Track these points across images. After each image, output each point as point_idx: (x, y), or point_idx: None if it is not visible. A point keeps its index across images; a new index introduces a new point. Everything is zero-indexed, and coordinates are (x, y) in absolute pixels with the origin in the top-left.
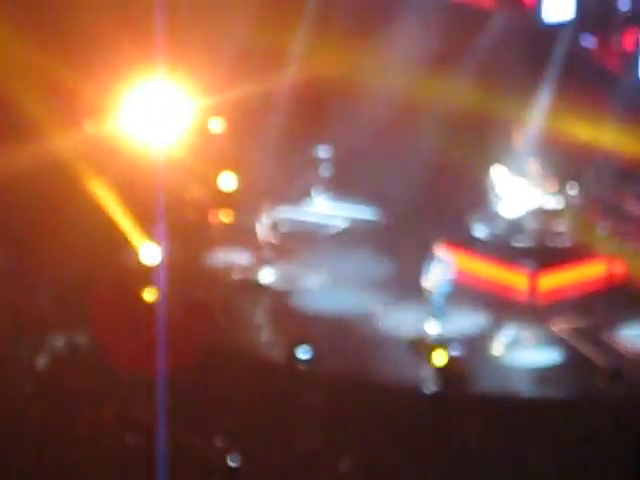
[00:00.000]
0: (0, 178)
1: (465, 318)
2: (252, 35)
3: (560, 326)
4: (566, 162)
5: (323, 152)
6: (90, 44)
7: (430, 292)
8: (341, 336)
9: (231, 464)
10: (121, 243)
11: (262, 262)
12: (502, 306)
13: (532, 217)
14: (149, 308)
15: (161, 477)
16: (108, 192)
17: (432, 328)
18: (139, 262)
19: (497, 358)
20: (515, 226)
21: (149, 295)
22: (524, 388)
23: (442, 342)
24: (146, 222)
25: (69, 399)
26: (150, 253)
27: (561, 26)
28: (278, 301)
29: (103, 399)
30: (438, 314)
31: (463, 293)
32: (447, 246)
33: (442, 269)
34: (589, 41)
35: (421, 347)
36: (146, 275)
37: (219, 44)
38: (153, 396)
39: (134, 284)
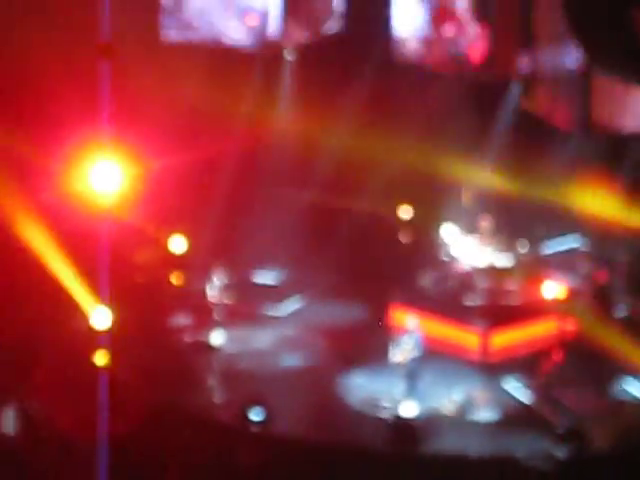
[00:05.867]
0: None
1: (419, 380)
2: (201, 96)
3: (512, 385)
4: (516, 220)
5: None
6: (37, 106)
7: (400, 368)
8: (293, 398)
9: None
10: (71, 307)
11: (213, 324)
12: (454, 366)
13: (483, 275)
14: (99, 372)
15: None
16: (57, 256)
17: (407, 408)
18: (89, 326)
19: (449, 418)
20: (466, 285)
21: (99, 359)
22: (477, 447)
23: (395, 403)
24: (96, 285)
25: (20, 466)
26: (100, 317)
27: (509, 84)
28: (230, 363)
29: (54, 465)
30: (411, 392)
31: None
32: (398, 306)
33: (412, 343)
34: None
35: (373, 408)
36: (96, 339)
37: (167, 105)
38: (104, 461)
39: (84, 348)
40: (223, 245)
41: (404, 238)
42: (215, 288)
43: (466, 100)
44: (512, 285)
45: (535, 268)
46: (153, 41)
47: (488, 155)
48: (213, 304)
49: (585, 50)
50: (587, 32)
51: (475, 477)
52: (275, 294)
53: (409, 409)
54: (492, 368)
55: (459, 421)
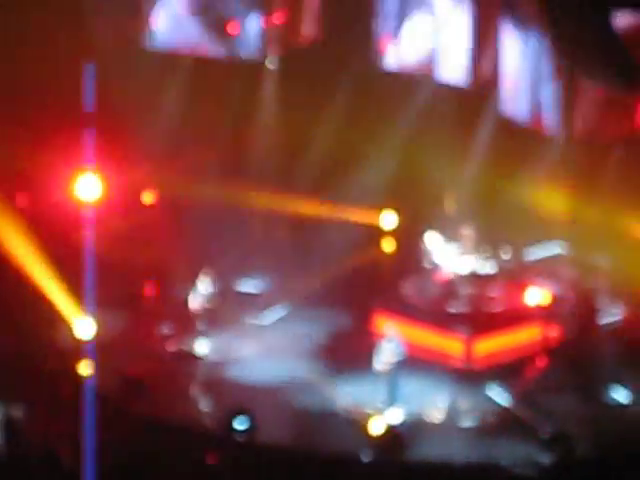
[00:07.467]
0: None
1: (401, 385)
2: (182, 108)
3: (496, 391)
4: (499, 226)
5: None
6: (21, 114)
7: (383, 375)
8: (278, 406)
9: None
10: (55, 318)
11: (197, 333)
12: (438, 372)
13: (466, 282)
14: (84, 382)
15: None
16: (41, 266)
17: (391, 414)
18: (73, 337)
19: (434, 425)
20: (449, 292)
21: (84, 369)
22: (462, 454)
23: (379, 411)
24: (80, 296)
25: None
26: (84, 327)
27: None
28: (214, 372)
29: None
30: (394, 398)
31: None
32: (382, 314)
33: (392, 350)
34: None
35: (358, 416)
36: (80, 349)
37: (150, 116)
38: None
39: (69, 359)
40: (207, 253)
41: (387, 246)
42: (199, 296)
43: (448, 107)
44: (495, 292)
45: (518, 275)
46: (136, 48)
47: (470, 162)
48: (197, 312)
49: (568, 57)
50: (570, 38)
51: None
52: (259, 302)
53: (394, 416)
54: (476, 375)
55: (444, 428)
